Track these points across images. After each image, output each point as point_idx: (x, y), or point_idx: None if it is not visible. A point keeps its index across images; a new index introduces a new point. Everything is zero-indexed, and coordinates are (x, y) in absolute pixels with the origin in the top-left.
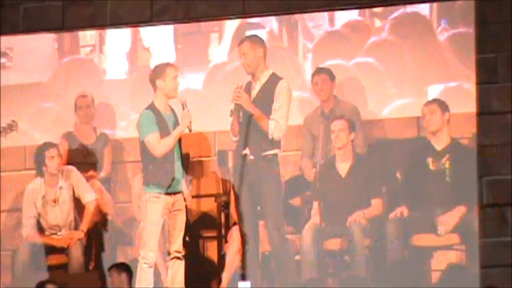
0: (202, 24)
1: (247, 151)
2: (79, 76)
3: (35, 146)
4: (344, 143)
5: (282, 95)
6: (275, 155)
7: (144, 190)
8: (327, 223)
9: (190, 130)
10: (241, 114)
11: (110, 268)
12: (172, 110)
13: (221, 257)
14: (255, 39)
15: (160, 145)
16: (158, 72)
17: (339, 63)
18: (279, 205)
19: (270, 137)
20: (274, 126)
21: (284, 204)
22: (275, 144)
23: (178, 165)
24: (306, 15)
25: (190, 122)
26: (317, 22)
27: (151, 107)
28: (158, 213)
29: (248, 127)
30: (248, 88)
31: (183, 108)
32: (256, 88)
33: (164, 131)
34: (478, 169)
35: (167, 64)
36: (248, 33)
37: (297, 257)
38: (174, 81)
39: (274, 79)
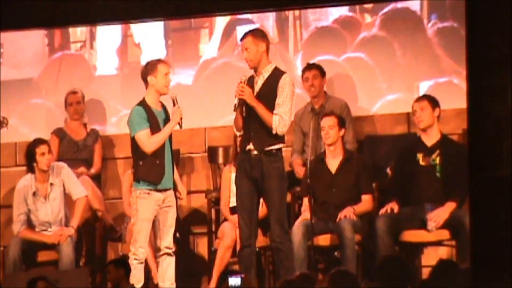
0: (193, 20)
1: (251, 146)
2: (70, 72)
3: (25, 142)
4: (334, 140)
5: (285, 90)
6: (279, 149)
7: (134, 186)
8: (317, 219)
9: (180, 126)
10: (244, 109)
11: (108, 264)
12: (163, 106)
13: (212, 253)
14: (258, 33)
15: (150, 142)
16: (150, 68)
17: (330, 58)
18: (282, 199)
19: (274, 132)
20: (278, 121)
21: None
22: (279, 138)
23: (168, 162)
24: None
25: (181, 118)
26: (319, 16)
27: (142, 103)
28: (148, 209)
29: (252, 122)
30: (251, 82)
31: (174, 104)
32: (259, 82)
33: (155, 128)
34: (468, 164)
35: (159, 61)
36: (239, 29)
37: None
38: (165, 77)
39: (277, 74)
